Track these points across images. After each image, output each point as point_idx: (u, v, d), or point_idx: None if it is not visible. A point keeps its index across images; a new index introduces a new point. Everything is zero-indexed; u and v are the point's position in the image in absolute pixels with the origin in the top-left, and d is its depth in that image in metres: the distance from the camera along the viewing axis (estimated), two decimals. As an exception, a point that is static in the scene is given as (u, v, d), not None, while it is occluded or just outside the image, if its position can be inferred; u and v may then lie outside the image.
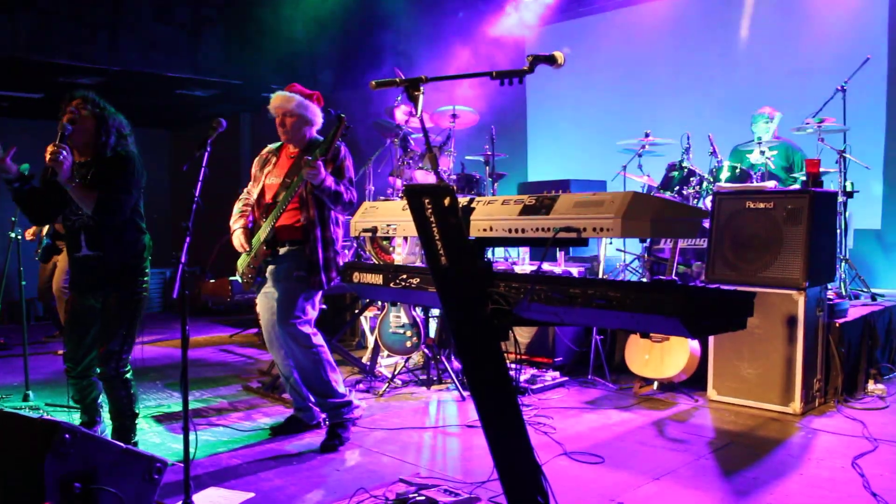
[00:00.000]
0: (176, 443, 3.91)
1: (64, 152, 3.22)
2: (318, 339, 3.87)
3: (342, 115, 3.65)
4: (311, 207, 3.78)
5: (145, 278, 3.56)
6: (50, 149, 3.20)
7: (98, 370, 3.50)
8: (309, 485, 3.32)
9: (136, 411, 3.59)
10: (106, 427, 3.71)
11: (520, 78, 2.20)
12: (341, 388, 3.94)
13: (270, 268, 3.87)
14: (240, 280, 3.97)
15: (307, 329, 3.83)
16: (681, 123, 6.50)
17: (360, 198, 7.25)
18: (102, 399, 3.69)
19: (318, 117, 3.93)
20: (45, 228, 6.21)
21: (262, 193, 3.94)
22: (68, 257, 3.62)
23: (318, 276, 3.79)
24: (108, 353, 3.43)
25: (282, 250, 3.83)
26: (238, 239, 3.93)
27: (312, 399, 4.08)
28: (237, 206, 4.04)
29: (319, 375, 3.84)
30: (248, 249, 3.89)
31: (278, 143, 4.07)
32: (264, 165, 4.02)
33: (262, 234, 3.82)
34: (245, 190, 4.11)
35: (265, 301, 3.90)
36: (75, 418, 3.81)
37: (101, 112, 3.44)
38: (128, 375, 3.51)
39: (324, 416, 4.11)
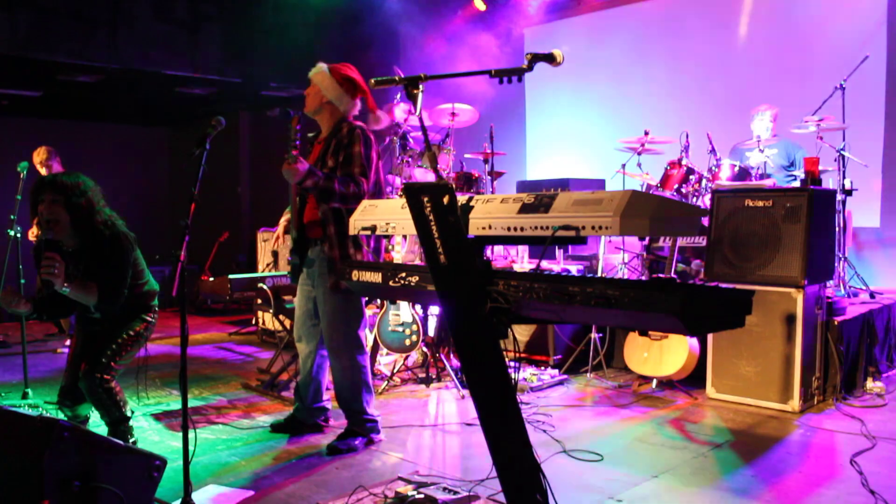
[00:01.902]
0: (175, 440, 3.91)
1: (56, 264, 3.22)
2: (364, 359, 3.79)
3: (291, 113, 3.51)
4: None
5: (149, 322, 3.65)
6: (42, 263, 3.24)
7: (80, 385, 3.45)
8: (308, 483, 3.33)
9: (128, 415, 3.54)
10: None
11: (519, 76, 2.20)
12: (372, 410, 3.85)
13: (308, 270, 3.79)
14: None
15: (355, 342, 3.74)
16: (680, 122, 6.50)
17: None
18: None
19: (343, 100, 3.71)
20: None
21: None
22: (76, 316, 3.68)
23: (334, 276, 3.64)
24: (92, 363, 3.42)
25: (312, 250, 3.75)
26: (280, 229, 3.98)
27: (316, 403, 4.03)
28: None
29: (352, 393, 3.77)
30: (283, 242, 3.87)
31: (317, 131, 3.90)
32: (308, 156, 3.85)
33: (292, 233, 3.78)
34: None
35: (301, 296, 3.87)
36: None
37: (68, 199, 3.37)
38: (110, 385, 3.45)
39: (323, 417, 4.10)
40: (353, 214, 2.64)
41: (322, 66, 3.75)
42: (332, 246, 3.64)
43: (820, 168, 5.09)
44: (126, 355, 3.54)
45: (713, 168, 5.85)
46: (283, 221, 3.93)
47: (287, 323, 5.41)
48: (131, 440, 3.55)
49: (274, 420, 4.21)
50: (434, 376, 5.18)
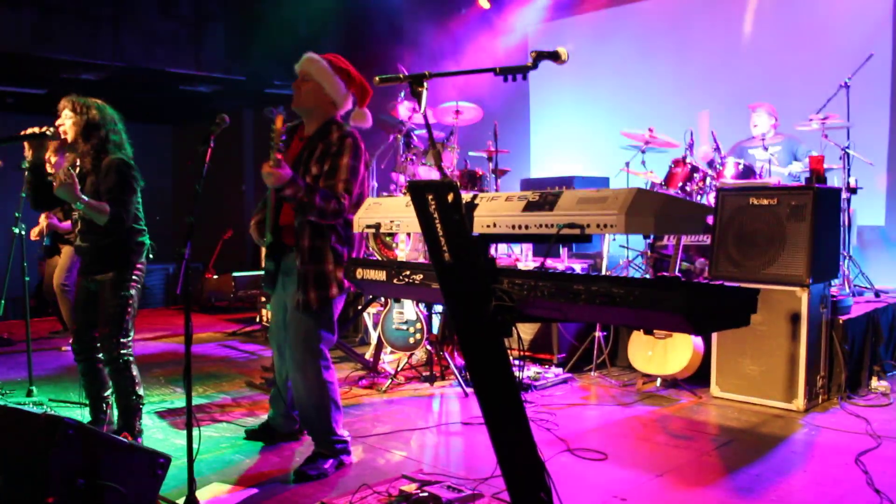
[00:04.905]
0: (179, 438, 3.92)
1: (69, 179, 3.36)
2: (331, 375, 3.44)
3: (274, 112, 3.15)
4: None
5: (136, 266, 3.66)
6: (59, 177, 3.40)
7: (101, 355, 3.64)
8: (312, 481, 3.32)
9: (140, 394, 3.67)
10: (114, 426, 3.74)
11: (523, 74, 2.20)
12: (342, 431, 3.50)
13: (284, 277, 3.45)
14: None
15: (321, 357, 3.40)
16: (684, 119, 6.49)
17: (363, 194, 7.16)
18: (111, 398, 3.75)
19: (340, 95, 3.41)
20: (45, 227, 6.26)
21: None
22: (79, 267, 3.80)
23: (305, 295, 3.29)
24: (106, 338, 3.56)
25: (287, 257, 3.41)
26: (253, 233, 3.60)
27: (293, 411, 3.78)
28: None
29: (319, 413, 3.42)
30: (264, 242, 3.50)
31: (296, 122, 3.56)
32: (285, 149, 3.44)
33: (267, 237, 3.45)
34: None
35: (276, 304, 3.59)
36: (85, 414, 3.86)
37: (81, 117, 3.63)
38: (129, 359, 3.61)
39: (298, 424, 3.84)
40: (358, 212, 2.63)
41: (317, 57, 3.42)
42: (303, 261, 3.30)
43: (825, 166, 5.08)
44: (128, 318, 3.62)
45: (717, 166, 5.83)
46: (253, 223, 3.58)
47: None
48: (138, 427, 3.66)
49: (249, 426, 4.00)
50: (438, 374, 5.18)
